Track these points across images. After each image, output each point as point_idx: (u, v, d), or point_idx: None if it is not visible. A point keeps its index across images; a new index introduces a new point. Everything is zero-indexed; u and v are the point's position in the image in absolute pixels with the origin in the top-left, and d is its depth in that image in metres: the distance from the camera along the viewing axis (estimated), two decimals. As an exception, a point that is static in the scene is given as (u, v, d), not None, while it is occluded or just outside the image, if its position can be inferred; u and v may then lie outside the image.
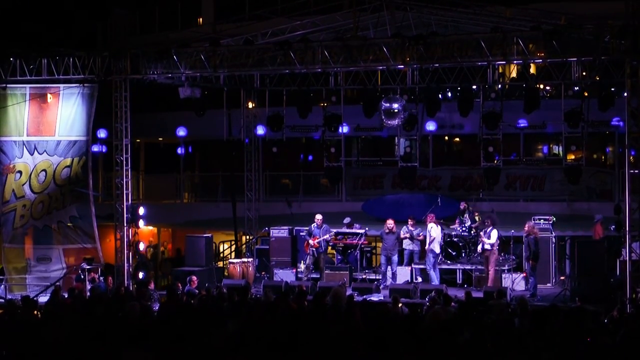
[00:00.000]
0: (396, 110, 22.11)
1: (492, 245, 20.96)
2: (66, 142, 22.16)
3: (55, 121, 22.15)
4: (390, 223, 21.88)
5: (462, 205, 22.94)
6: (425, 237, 21.83)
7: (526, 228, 20.77)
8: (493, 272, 21.07)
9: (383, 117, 22.22)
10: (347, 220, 23.33)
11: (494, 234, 21.05)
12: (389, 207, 25.51)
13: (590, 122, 22.58)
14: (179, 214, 30.02)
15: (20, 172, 22.23)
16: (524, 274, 21.14)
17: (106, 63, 21.40)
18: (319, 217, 22.43)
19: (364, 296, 20.08)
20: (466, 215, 22.69)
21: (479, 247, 21.46)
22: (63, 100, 22.11)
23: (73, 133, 22.16)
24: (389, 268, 21.90)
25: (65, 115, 22.09)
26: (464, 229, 22.51)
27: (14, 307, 15.61)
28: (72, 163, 22.19)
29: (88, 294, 19.37)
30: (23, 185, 22.21)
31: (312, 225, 22.33)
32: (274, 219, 26.25)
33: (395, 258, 21.86)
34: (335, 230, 22.59)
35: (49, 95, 22.02)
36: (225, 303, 16.11)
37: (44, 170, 22.16)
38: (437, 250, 21.70)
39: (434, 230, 21.62)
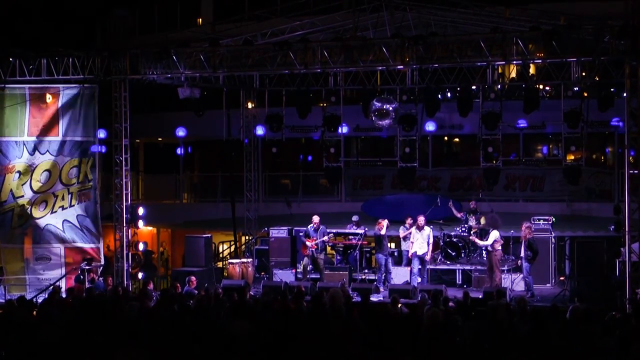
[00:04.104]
0: (387, 111, 21.89)
1: (490, 245, 20.72)
2: (72, 142, 22.25)
3: (58, 122, 22.21)
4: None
5: (473, 205, 22.81)
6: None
7: (522, 229, 20.67)
8: (498, 273, 20.55)
9: (373, 117, 22.00)
10: (355, 218, 23.06)
11: (492, 235, 20.87)
12: (388, 208, 25.50)
13: (589, 123, 22.54)
14: (179, 214, 30.02)
15: (19, 172, 22.21)
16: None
17: (105, 63, 21.39)
18: (315, 218, 21.96)
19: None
20: (472, 216, 22.60)
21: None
22: (64, 101, 22.16)
23: (79, 134, 22.26)
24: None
25: (68, 116, 22.15)
26: (463, 229, 22.46)
27: (12, 308, 15.59)
28: (79, 163, 22.29)
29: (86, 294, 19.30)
30: (23, 185, 22.19)
31: (309, 226, 21.96)
32: (274, 219, 26.23)
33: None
34: (334, 231, 22.46)
35: (48, 96, 22.04)
36: (225, 304, 16.09)
37: (47, 170, 22.19)
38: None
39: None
